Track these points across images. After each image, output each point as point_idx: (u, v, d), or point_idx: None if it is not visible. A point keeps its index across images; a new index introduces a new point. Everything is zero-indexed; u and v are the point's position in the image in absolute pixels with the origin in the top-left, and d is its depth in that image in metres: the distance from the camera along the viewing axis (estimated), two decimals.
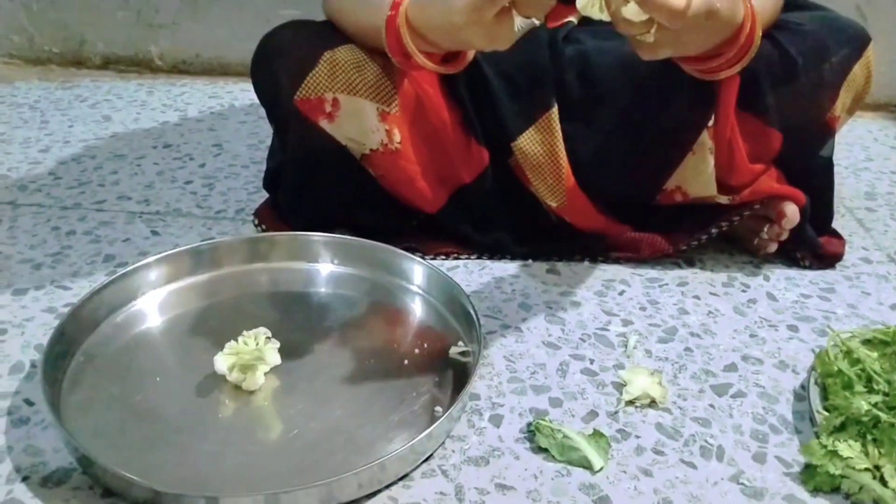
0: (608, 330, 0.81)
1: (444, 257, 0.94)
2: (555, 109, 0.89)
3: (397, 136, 0.87)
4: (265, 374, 0.70)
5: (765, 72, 0.86)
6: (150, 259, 0.81)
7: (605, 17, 0.69)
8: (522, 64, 0.89)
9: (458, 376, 0.71)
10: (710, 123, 0.87)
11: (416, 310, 0.82)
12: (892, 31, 1.50)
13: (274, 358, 0.70)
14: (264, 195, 1.02)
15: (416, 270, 0.84)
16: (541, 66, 0.89)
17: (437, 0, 0.72)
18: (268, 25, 1.49)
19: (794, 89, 0.87)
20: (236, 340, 0.71)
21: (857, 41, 0.89)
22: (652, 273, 0.93)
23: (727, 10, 0.70)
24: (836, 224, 1.03)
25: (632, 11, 0.65)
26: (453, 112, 0.90)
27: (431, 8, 0.73)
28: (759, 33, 0.74)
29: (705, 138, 0.88)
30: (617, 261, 0.95)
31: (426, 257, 0.93)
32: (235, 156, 1.22)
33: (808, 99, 0.88)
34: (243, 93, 1.49)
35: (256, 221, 0.97)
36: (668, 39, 0.68)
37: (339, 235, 0.88)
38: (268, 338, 0.71)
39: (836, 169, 1.26)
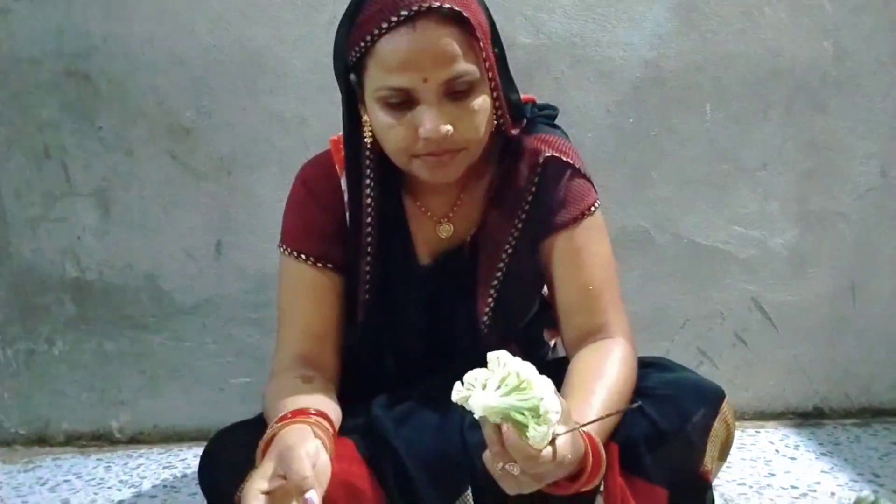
0: None
1: None
2: (468, 492, 1.01)
3: None
4: None
5: (639, 438, 1.00)
6: None
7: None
8: (437, 453, 1.01)
9: None
10: (601, 490, 0.99)
11: None
12: (771, 350, 1.72)
13: None
14: None
15: None
16: (453, 454, 1.01)
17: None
18: (222, 394, 1.69)
19: (666, 450, 1.00)
20: None
21: (711, 400, 1.04)
22: None
23: (572, 454, 0.84)
24: None
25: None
26: (378, 500, 1.01)
27: None
28: (602, 454, 0.90)
29: (600, 502, 1.00)
30: None
31: None
32: None
33: (681, 457, 1.01)
34: (195, 458, 1.59)
35: None
36: (532, 475, 0.82)
37: None
38: None
39: (741, 489, 1.40)
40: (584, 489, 0.90)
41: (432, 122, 0.95)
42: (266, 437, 0.92)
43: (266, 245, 1.59)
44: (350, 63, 1.00)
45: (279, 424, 0.92)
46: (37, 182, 1.61)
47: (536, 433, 0.77)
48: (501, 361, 0.81)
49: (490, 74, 1.00)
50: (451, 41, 0.94)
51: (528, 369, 0.80)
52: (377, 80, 0.97)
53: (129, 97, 1.57)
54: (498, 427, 0.80)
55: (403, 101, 0.97)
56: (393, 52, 0.94)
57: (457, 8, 0.94)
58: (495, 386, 0.79)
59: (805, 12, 1.58)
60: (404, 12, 0.93)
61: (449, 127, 0.96)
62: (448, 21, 0.94)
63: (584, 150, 1.56)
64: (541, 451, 0.79)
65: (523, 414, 0.78)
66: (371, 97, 0.99)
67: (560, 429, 0.81)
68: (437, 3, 0.93)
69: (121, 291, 1.65)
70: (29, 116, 1.58)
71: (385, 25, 0.93)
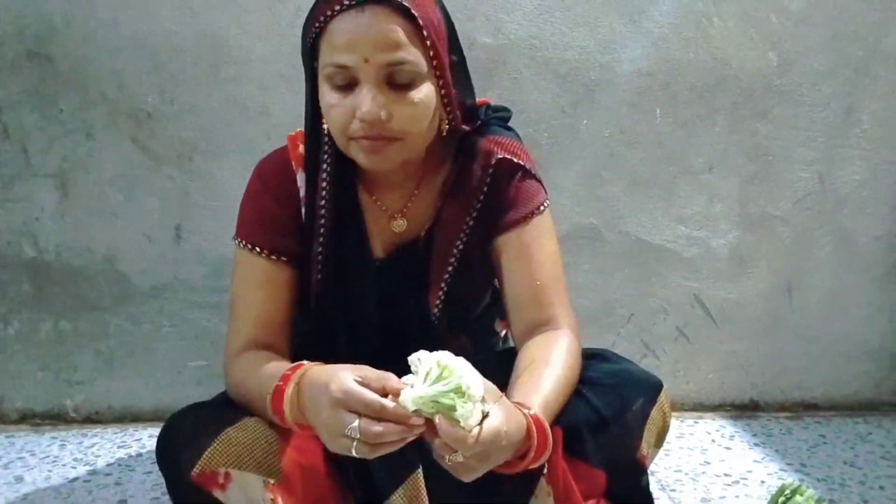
0: None
1: None
2: (419, 470, 1.05)
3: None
4: None
5: (583, 424, 1.06)
6: None
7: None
8: None
9: None
10: (545, 471, 1.05)
11: None
12: (711, 344, 1.80)
13: None
14: None
15: None
16: None
17: (313, 404, 0.92)
18: (178, 376, 1.71)
19: (607, 436, 1.06)
20: None
21: (650, 390, 1.11)
22: None
23: (507, 427, 0.89)
24: None
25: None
26: (333, 479, 1.05)
27: (309, 412, 0.93)
28: (548, 431, 0.96)
29: (543, 484, 1.06)
30: None
31: None
32: None
33: (620, 442, 1.08)
34: (151, 439, 1.61)
35: None
36: (476, 458, 0.87)
37: None
38: None
39: (677, 475, 1.48)
40: (532, 466, 0.96)
41: (368, 104, 1.00)
42: (288, 389, 0.95)
43: (225, 231, 1.59)
44: (309, 47, 1.05)
45: (298, 371, 0.96)
46: None
47: (464, 410, 0.84)
48: (422, 360, 0.88)
49: (438, 73, 1.05)
50: (396, 29, 0.99)
51: (446, 356, 0.87)
52: (325, 57, 1.02)
53: (90, 80, 1.58)
54: (433, 423, 0.86)
55: (348, 83, 1.01)
56: (340, 31, 0.99)
57: (406, 3, 0.99)
58: (421, 381, 0.86)
59: (752, 24, 1.66)
60: None
61: (384, 112, 1.01)
62: (397, 13, 0.99)
63: (539, 148, 1.63)
64: (470, 431, 0.85)
65: (450, 396, 0.84)
66: (321, 77, 1.04)
67: (489, 407, 0.87)
68: None
69: (78, 273, 1.65)
70: None
71: (338, 8, 0.99)
